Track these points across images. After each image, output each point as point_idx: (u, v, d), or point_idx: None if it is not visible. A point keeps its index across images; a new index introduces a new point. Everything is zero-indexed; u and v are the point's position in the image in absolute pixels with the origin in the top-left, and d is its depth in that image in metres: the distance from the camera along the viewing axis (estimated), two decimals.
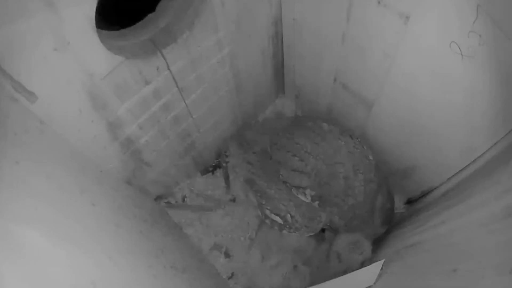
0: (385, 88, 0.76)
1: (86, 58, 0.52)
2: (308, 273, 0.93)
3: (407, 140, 0.83)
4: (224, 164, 1.08)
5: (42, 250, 0.39)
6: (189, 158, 0.98)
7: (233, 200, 1.04)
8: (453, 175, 0.77)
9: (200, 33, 0.68)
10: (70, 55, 0.50)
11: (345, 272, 0.81)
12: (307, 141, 0.86)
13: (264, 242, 0.98)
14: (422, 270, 0.62)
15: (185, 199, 1.04)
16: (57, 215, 0.45)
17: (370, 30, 0.68)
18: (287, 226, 0.85)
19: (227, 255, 0.98)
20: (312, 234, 0.86)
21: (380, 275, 0.73)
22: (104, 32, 0.57)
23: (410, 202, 0.95)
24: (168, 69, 0.68)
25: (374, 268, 0.73)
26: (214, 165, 1.09)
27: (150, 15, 0.65)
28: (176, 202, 1.04)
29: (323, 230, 0.95)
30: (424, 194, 0.89)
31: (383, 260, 0.73)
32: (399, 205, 0.97)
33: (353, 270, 0.78)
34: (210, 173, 1.08)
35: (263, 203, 0.88)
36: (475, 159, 0.69)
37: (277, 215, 0.86)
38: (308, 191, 0.83)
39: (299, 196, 0.84)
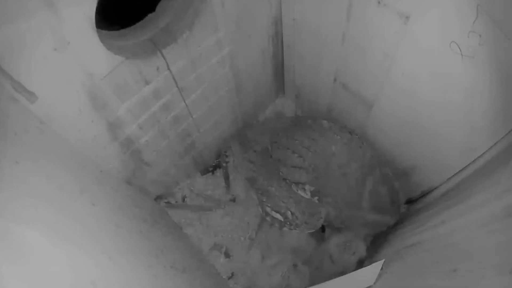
0: (385, 88, 0.76)
1: (86, 58, 0.52)
2: (308, 272, 0.93)
3: (407, 140, 0.83)
4: (224, 164, 1.08)
5: (42, 250, 0.39)
6: (189, 158, 0.98)
7: (233, 200, 1.04)
8: (453, 175, 0.77)
9: (200, 33, 0.68)
10: (70, 55, 0.50)
11: (341, 273, 0.81)
12: (306, 137, 0.87)
13: (264, 242, 0.98)
14: (422, 270, 0.62)
15: (185, 199, 1.04)
16: (57, 215, 0.45)
17: (370, 30, 0.68)
18: (288, 223, 0.86)
19: (227, 255, 0.98)
20: (313, 230, 0.87)
21: (380, 275, 0.73)
22: (104, 32, 0.57)
23: (410, 202, 0.95)
24: (168, 69, 0.68)
25: (374, 268, 0.73)
26: (214, 165, 1.09)
27: (150, 15, 0.65)
28: (176, 202, 1.04)
29: (323, 229, 0.95)
30: (424, 194, 0.89)
31: (383, 260, 0.73)
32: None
33: (349, 271, 0.78)
34: (210, 173, 1.08)
35: (264, 200, 0.89)
36: (475, 159, 0.69)
37: (277, 212, 0.87)
38: (307, 187, 0.83)
39: (299, 192, 0.84)
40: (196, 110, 0.84)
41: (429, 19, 0.57)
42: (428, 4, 0.55)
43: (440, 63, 0.61)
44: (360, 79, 0.82)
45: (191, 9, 0.65)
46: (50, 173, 0.48)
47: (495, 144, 0.63)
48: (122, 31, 0.63)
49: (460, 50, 0.56)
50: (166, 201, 1.03)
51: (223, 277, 0.96)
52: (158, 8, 0.65)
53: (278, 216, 0.87)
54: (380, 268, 0.72)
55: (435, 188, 0.85)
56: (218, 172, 1.08)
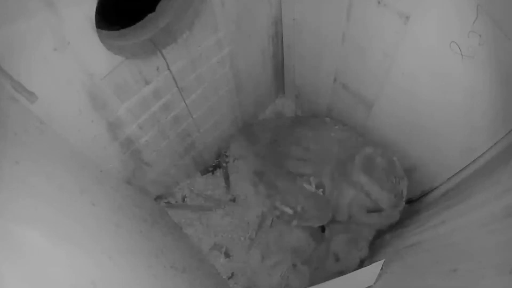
0: (385, 88, 0.76)
1: (86, 58, 0.52)
2: (308, 272, 0.93)
3: (407, 140, 0.83)
4: (224, 164, 1.08)
5: (42, 250, 0.39)
6: (189, 158, 0.98)
7: (233, 200, 1.04)
8: (453, 175, 0.77)
9: (200, 33, 0.68)
10: (70, 55, 0.50)
11: (342, 272, 0.81)
12: (309, 130, 0.89)
13: (264, 242, 0.98)
14: (422, 270, 0.62)
15: (185, 199, 1.04)
16: (57, 215, 0.45)
17: (370, 30, 0.68)
18: (297, 217, 0.86)
19: (227, 255, 0.98)
20: (322, 224, 0.88)
21: (380, 275, 0.73)
22: (104, 32, 0.57)
23: (410, 202, 0.95)
24: (168, 69, 0.68)
25: (374, 268, 0.73)
26: (214, 165, 1.09)
27: (150, 15, 0.65)
28: (176, 202, 1.04)
29: (323, 229, 0.95)
30: (424, 194, 0.89)
31: (383, 260, 0.73)
32: None
33: (351, 270, 0.78)
34: (210, 173, 1.08)
35: (273, 194, 0.90)
36: (475, 159, 0.69)
37: (286, 206, 0.87)
38: (312, 178, 0.84)
39: (304, 185, 0.85)
40: (196, 110, 0.84)
41: (429, 19, 0.57)
42: (428, 4, 0.55)
43: (440, 63, 0.61)
44: (360, 79, 0.82)
45: (191, 9, 0.65)
46: (50, 173, 0.48)
47: (495, 144, 0.63)
48: (122, 31, 0.63)
49: (460, 50, 0.56)
50: (166, 201, 1.03)
51: (223, 277, 0.96)
52: (158, 8, 0.65)
53: (287, 209, 0.88)
54: (380, 268, 0.72)
55: (435, 188, 0.85)
56: (218, 172, 1.08)
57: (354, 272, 0.78)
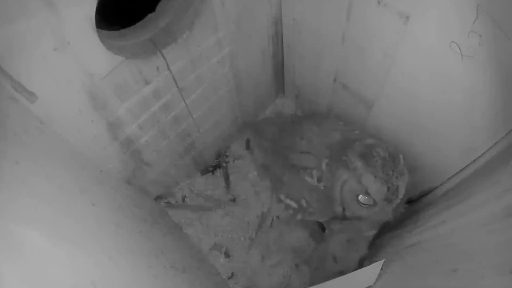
0: (385, 88, 0.76)
1: (86, 58, 0.52)
2: (308, 272, 0.93)
3: (407, 140, 0.83)
4: (224, 164, 1.08)
5: (42, 250, 0.39)
6: (189, 158, 0.98)
7: (233, 200, 1.04)
8: (453, 175, 0.76)
9: (200, 33, 0.68)
10: (70, 55, 0.50)
11: (342, 272, 0.81)
12: (312, 124, 0.89)
13: (264, 242, 0.98)
14: (422, 270, 0.62)
15: (185, 199, 1.04)
16: (57, 215, 0.45)
17: (370, 30, 0.68)
18: (302, 211, 0.86)
19: (227, 255, 0.98)
20: (326, 219, 0.87)
21: (380, 275, 0.72)
22: (104, 32, 0.57)
23: (410, 202, 0.95)
24: (168, 69, 0.68)
25: (374, 268, 0.73)
26: (214, 165, 1.09)
27: (150, 15, 0.65)
28: (176, 202, 1.04)
29: (323, 229, 0.95)
30: (424, 194, 0.89)
31: (383, 260, 0.73)
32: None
33: (351, 270, 0.78)
34: (210, 173, 1.08)
35: (279, 187, 0.90)
36: (475, 159, 0.69)
37: (291, 199, 0.87)
38: (314, 172, 0.84)
39: (307, 178, 0.85)
40: (196, 110, 0.84)
41: (429, 19, 0.57)
42: (428, 4, 0.55)
43: (440, 63, 0.61)
44: (360, 79, 0.82)
45: (191, 9, 0.65)
46: (50, 173, 0.48)
47: (495, 144, 0.63)
48: (122, 31, 0.63)
49: (460, 50, 0.56)
50: (166, 201, 1.03)
51: (223, 277, 0.96)
52: (158, 8, 0.65)
53: (292, 203, 0.87)
54: (380, 268, 0.72)
55: (435, 188, 0.85)
56: (218, 172, 1.08)
57: (354, 272, 0.77)
